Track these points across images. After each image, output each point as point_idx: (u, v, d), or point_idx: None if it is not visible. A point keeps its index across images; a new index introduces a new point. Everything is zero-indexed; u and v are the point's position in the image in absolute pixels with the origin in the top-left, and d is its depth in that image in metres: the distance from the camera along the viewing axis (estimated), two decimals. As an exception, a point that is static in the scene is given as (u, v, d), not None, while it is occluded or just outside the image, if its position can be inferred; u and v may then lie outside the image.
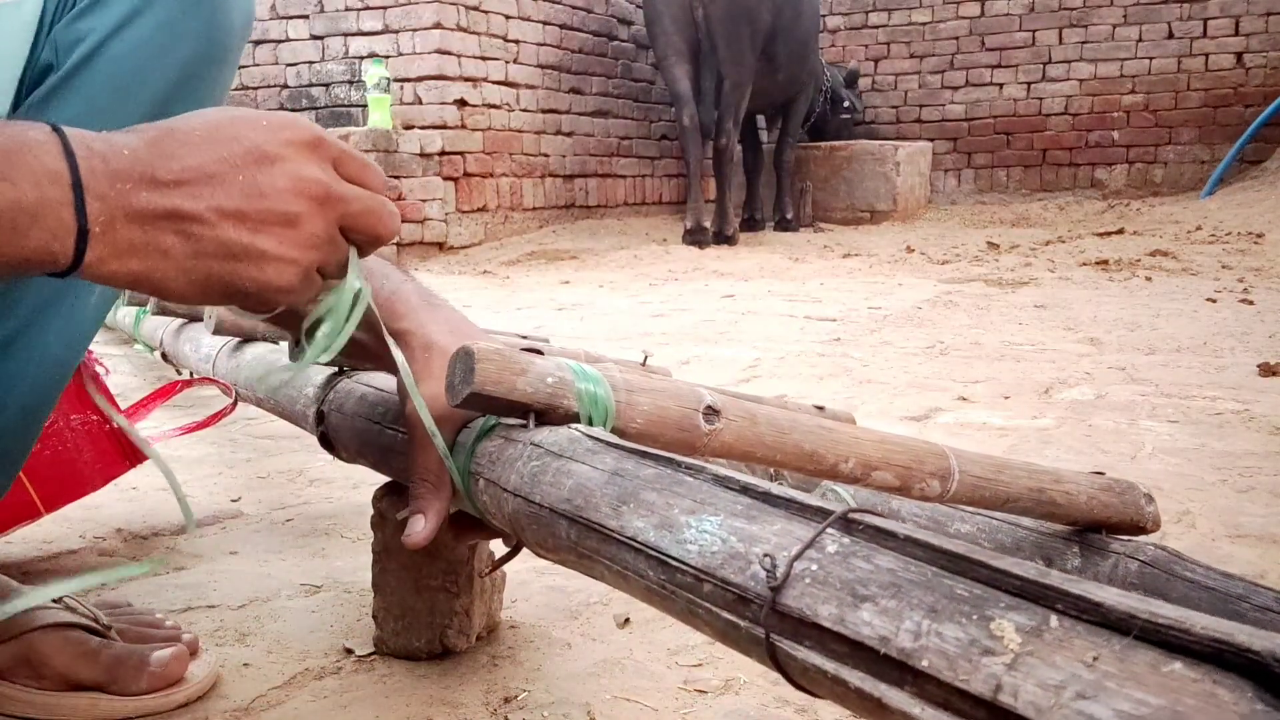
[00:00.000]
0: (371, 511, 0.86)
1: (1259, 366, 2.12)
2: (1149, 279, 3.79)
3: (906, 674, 0.33)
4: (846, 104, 6.96)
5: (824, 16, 7.60)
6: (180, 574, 1.08)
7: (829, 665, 0.36)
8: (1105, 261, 4.28)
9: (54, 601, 0.80)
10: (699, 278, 4.27)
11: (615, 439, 0.56)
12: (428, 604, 0.85)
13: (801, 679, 0.38)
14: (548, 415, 0.60)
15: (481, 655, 0.87)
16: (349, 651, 0.88)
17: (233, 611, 0.97)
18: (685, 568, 0.43)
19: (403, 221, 4.87)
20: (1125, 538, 0.85)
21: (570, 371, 0.61)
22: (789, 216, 6.32)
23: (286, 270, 0.52)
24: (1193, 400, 1.86)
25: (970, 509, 0.91)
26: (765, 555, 0.40)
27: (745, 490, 0.45)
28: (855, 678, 0.35)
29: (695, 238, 5.43)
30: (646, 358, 1.38)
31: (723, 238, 5.50)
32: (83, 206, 0.45)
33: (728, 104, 5.45)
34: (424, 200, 4.94)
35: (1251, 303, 3.12)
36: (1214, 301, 3.17)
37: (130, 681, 0.77)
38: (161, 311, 1.71)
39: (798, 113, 6.33)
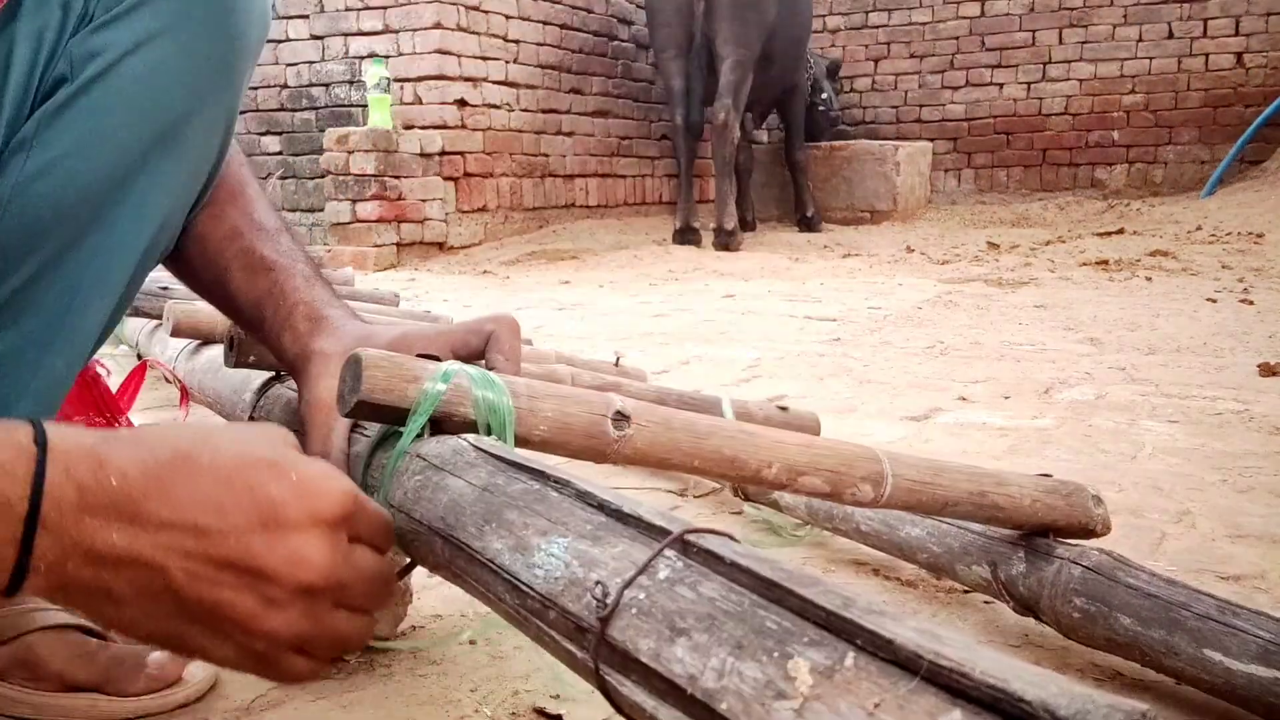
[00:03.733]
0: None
1: (1259, 366, 2.12)
2: (1149, 279, 3.79)
3: (712, 716, 0.32)
4: (824, 95, 6.91)
5: (824, 16, 7.61)
6: (179, 574, 1.08)
7: (649, 702, 0.35)
8: (1105, 261, 4.27)
9: (52, 602, 0.80)
10: (699, 278, 4.27)
11: (499, 449, 0.54)
12: None
13: (630, 713, 0.37)
14: (444, 424, 0.58)
15: (481, 655, 0.87)
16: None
17: (232, 612, 0.97)
18: (533, 593, 0.42)
19: (403, 221, 4.87)
20: (1073, 542, 0.85)
21: (467, 378, 0.59)
22: (809, 215, 6.28)
23: (237, 654, 0.46)
24: (1193, 400, 1.86)
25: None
26: (597, 583, 0.39)
27: (601, 507, 0.44)
28: (670, 717, 0.34)
29: (686, 237, 5.34)
30: (619, 358, 1.37)
31: (723, 234, 5.23)
32: (30, 545, 0.40)
33: (728, 82, 5.20)
34: (424, 200, 4.94)
35: (1251, 303, 3.12)
36: (1214, 301, 3.17)
37: (128, 682, 0.77)
38: (134, 312, 1.73)
39: (796, 111, 6.30)
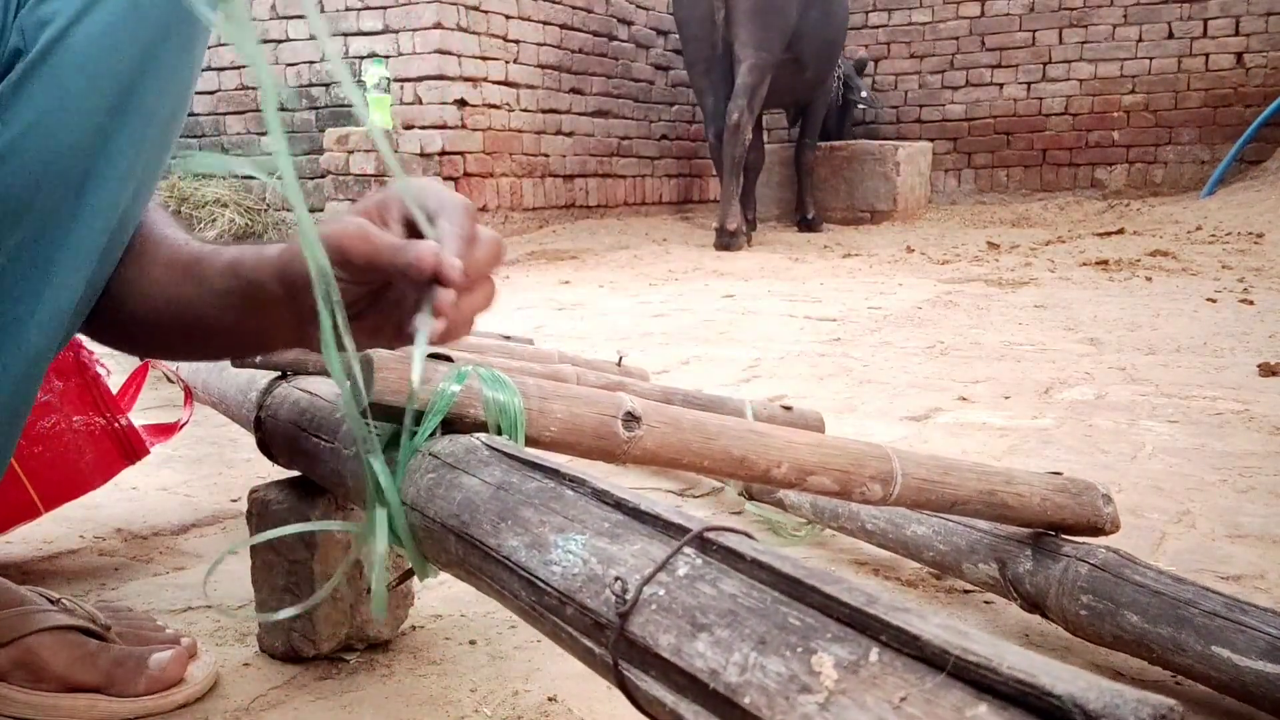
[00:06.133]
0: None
1: (1259, 366, 2.12)
2: (1149, 279, 3.79)
3: (735, 710, 0.32)
4: (863, 94, 6.94)
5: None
6: (180, 574, 1.08)
7: (669, 697, 0.35)
8: (1105, 261, 4.27)
9: (52, 602, 0.80)
10: (699, 278, 4.27)
11: (512, 448, 0.54)
12: (283, 605, 0.84)
13: (648, 708, 0.37)
14: (456, 424, 0.58)
15: (481, 655, 0.87)
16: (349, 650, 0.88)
17: (232, 611, 0.97)
18: (550, 589, 0.42)
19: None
20: (1080, 540, 0.85)
21: (479, 379, 0.59)
22: (810, 216, 6.29)
23: None
24: (1193, 400, 1.86)
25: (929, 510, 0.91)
26: (617, 579, 0.39)
27: (618, 505, 0.44)
28: (690, 712, 0.34)
29: (723, 240, 5.30)
30: (621, 358, 1.37)
31: (724, 235, 5.22)
32: None
33: (744, 84, 5.21)
34: (424, 200, 4.94)
35: (1251, 303, 3.12)
36: (1214, 301, 3.17)
37: (129, 683, 0.77)
38: None
39: (817, 113, 6.29)
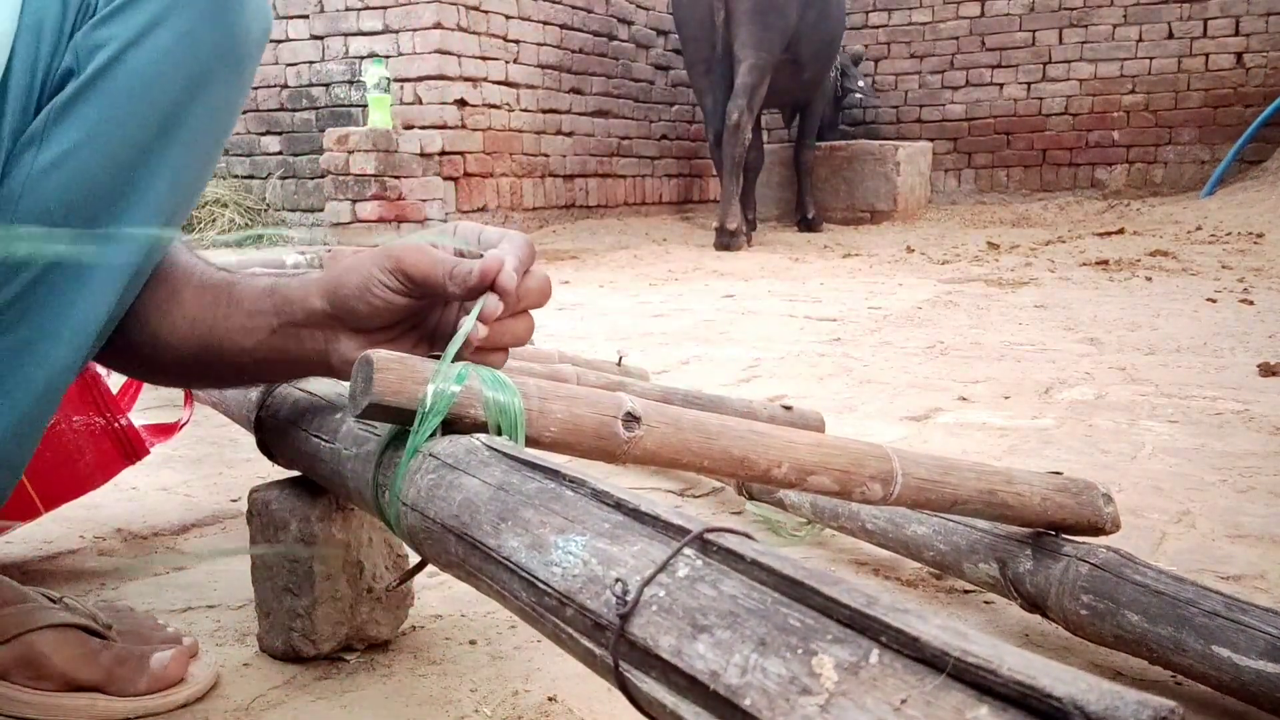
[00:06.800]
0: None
1: (1259, 366, 2.12)
2: (1149, 279, 3.79)
3: (735, 712, 0.32)
4: (860, 82, 6.95)
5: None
6: (180, 574, 1.08)
7: (669, 699, 0.35)
8: (1105, 261, 4.27)
9: (53, 601, 0.80)
10: (699, 278, 4.27)
11: (511, 449, 0.54)
12: (283, 604, 0.84)
13: (648, 709, 0.37)
14: (455, 424, 0.58)
15: (481, 655, 0.87)
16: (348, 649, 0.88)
17: (233, 611, 0.97)
18: (550, 590, 0.43)
19: (403, 221, 4.87)
20: (1080, 539, 0.85)
21: (479, 379, 0.59)
22: (810, 216, 6.29)
23: None
24: (1193, 400, 1.86)
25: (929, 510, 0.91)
26: (617, 580, 0.39)
27: (618, 506, 0.44)
28: (691, 713, 0.34)
29: (723, 240, 5.31)
30: (621, 358, 1.38)
31: (724, 234, 5.23)
32: None
33: (743, 84, 5.24)
34: (424, 200, 4.94)
35: (1251, 303, 3.12)
36: (1214, 302, 3.17)
37: (129, 682, 0.77)
38: None
39: (815, 113, 6.29)
